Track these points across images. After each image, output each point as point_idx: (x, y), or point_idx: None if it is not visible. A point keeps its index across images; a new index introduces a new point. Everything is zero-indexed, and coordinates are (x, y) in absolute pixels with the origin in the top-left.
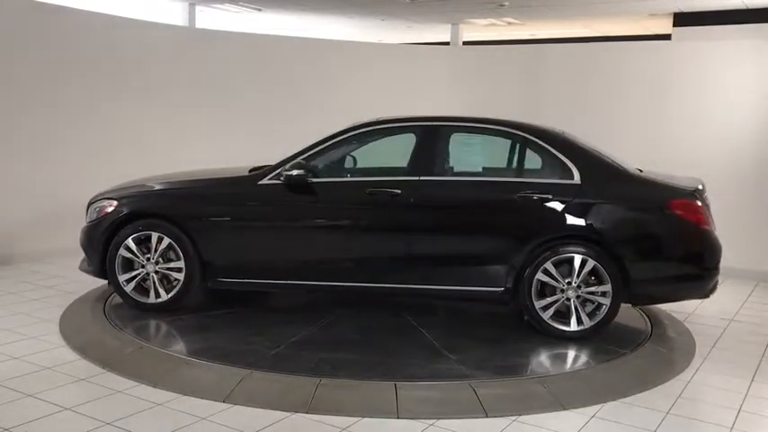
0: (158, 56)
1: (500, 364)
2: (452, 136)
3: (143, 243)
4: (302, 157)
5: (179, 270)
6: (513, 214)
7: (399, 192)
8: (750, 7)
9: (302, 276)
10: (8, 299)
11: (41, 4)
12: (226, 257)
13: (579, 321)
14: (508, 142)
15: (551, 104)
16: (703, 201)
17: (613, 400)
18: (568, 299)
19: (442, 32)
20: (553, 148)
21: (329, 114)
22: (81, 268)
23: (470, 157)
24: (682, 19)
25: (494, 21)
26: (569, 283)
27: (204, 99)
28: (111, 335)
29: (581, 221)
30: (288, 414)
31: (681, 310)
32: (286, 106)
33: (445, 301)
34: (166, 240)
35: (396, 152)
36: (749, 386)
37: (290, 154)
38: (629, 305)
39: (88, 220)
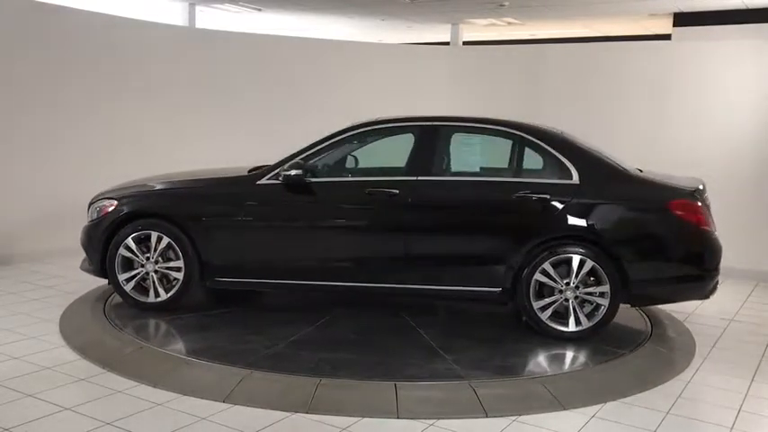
0: (158, 56)
1: (497, 364)
2: (450, 136)
3: (143, 242)
4: (300, 157)
5: (178, 269)
6: (511, 214)
7: (397, 192)
8: (750, 7)
9: (300, 276)
10: (8, 299)
11: (41, 4)
12: (224, 257)
13: (577, 322)
14: (507, 142)
15: (551, 104)
16: (703, 201)
17: (613, 400)
18: (567, 299)
19: (442, 32)
20: (552, 148)
21: (329, 114)
22: (82, 267)
23: (469, 157)
24: (682, 19)
25: (494, 21)
26: (567, 284)
27: (204, 99)
28: (111, 335)
29: (579, 222)
30: (288, 414)
31: (681, 310)
32: (286, 106)
33: (443, 301)
34: (166, 240)
35: (394, 152)
36: (749, 386)
37: (289, 154)
38: (629, 306)
39: (89, 220)
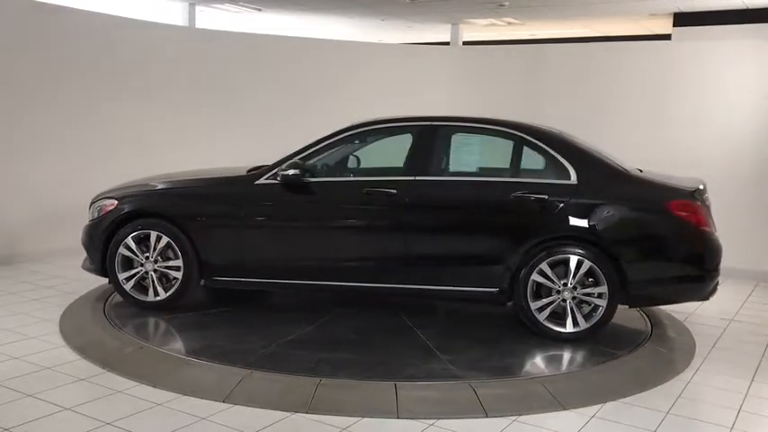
0: (158, 56)
1: (493, 365)
2: (448, 136)
3: (142, 242)
4: (299, 156)
5: (177, 269)
6: (509, 214)
7: (395, 192)
8: (750, 7)
9: (298, 276)
10: (8, 299)
11: (41, 4)
12: (222, 256)
13: (575, 323)
14: (505, 142)
15: (551, 104)
16: (703, 201)
17: (613, 400)
18: (564, 300)
19: (442, 32)
20: (550, 148)
21: (329, 114)
22: (83, 267)
23: (466, 156)
24: (682, 19)
25: (494, 21)
26: (565, 285)
27: (204, 99)
28: (111, 335)
29: (577, 222)
30: (288, 414)
31: (681, 310)
32: (286, 106)
33: (441, 301)
34: (165, 239)
35: (393, 152)
36: (749, 386)
37: (287, 154)
38: (627, 307)
39: (90, 219)
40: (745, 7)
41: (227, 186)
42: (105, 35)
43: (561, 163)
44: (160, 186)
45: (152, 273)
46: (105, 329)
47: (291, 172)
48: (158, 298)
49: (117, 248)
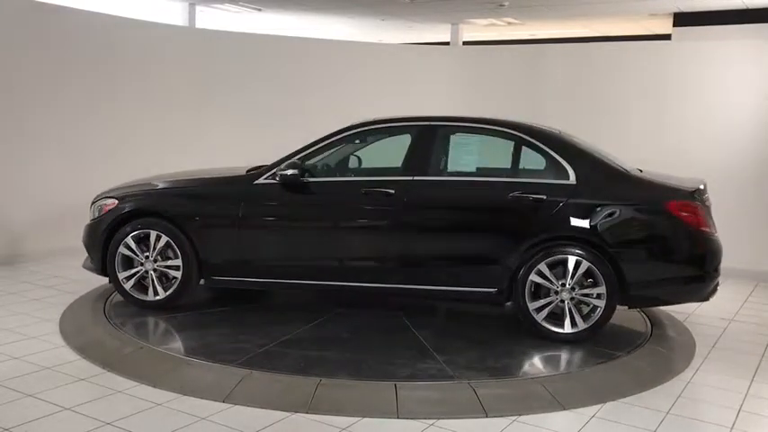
0: (158, 56)
1: (489, 365)
2: (447, 136)
3: (142, 241)
4: (297, 156)
5: (177, 268)
6: (507, 214)
7: (393, 191)
8: (750, 7)
9: (297, 275)
10: (8, 299)
11: (41, 4)
12: (221, 256)
13: (573, 323)
14: (503, 142)
15: (551, 104)
16: (703, 202)
17: (613, 400)
18: (562, 301)
19: (442, 32)
20: (548, 148)
21: (329, 114)
22: (84, 266)
23: (465, 156)
24: (682, 19)
25: (494, 21)
26: (563, 285)
27: (204, 99)
28: (111, 335)
29: (576, 222)
30: (288, 414)
31: (681, 310)
32: (286, 106)
33: (439, 301)
34: (164, 239)
35: (391, 152)
36: (749, 386)
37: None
38: (626, 308)
39: (90, 219)
40: (745, 7)
41: (226, 186)
42: (105, 35)
43: (560, 163)
44: (160, 186)
45: (152, 272)
46: (105, 329)
47: (290, 172)
48: (158, 297)
49: (117, 248)
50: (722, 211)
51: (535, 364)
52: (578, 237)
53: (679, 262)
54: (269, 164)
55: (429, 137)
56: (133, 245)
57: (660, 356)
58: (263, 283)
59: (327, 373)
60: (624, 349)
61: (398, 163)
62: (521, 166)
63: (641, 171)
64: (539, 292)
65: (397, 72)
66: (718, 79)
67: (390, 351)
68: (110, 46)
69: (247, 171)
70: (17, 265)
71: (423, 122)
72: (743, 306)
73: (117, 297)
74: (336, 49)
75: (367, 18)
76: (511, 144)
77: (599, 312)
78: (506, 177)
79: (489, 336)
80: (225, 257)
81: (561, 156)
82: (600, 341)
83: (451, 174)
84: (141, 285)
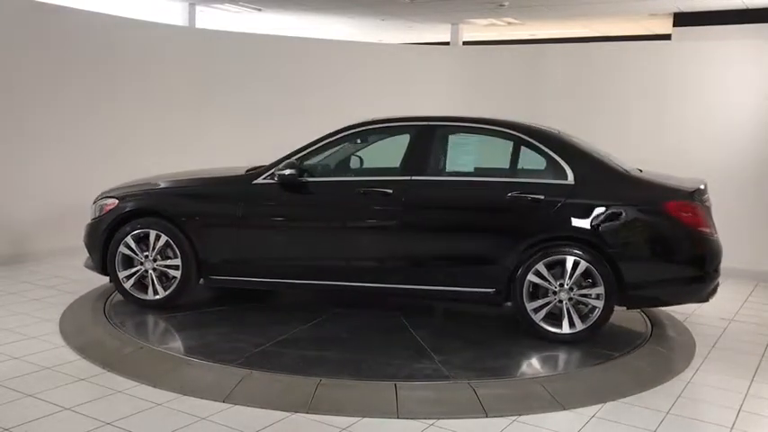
0: (158, 56)
1: (485, 366)
2: (445, 136)
3: (142, 241)
4: (296, 156)
5: (176, 267)
6: (505, 214)
7: (391, 191)
8: (750, 7)
9: (295, 275)
10: (8, 299)
11: (41, 4)
12: (220, 255)
13: (571, 324)
14: (501, 142)
15: (551, 104)
16: (702, 202)
17: (613, 400)
18: (560, 301)
19: (442, 32)
20: (547, 147)
21: (329, 114)
22: (86, 265)
23: (463, 156)
24: (682, 19)
25: (494, 21)
26: (561, 285)
27: (204, 99)
28: (111, 335)
29: (574, 222)
30: (288, 414)
31: (681, 310)
32: (286, 106)
33: (438, 301)
34: (164, 238)
35: (390, 152)
36: (749, 386)
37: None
38: (625, 308)
39: (91, 218)
40: (745, 7)
41: (225, 186)
42: (105, 35)
43: (558, 163)
44: (159, 186)
45: (151, 272)
46: (105, 329)
47: (288, 172)
48: (157, 297)
49: (117, 247)
50: (722, 211)
51: (533, 364)
52: (576, 237)
53: (678, 262)
54: (268, 164)
55: (427, 137)
56: (133, 244)
57: (660, 356)
58: (262, 282)
59: (325, 373)
60: (624, 349)
61: (397, 163)
62: (519, 166)
63: (641, 171)
64: (537, 292)
65: (397, 72)
66: (718, 79)
67: (388, 351)
68: (110, 46)
69: (247, 171)
70: (17, 265)
71: (421, 122)
72: (743, 306)
73: (117, 297)
74: (336, 49)
75: (367, 18)
76: (509, 144)
77: (597, 313)
78: (504, 177)
79: (487, 336)
80: (224, 257)
81: (560, 156)
82: (599, 341)
83: (450, 174)
84: (141, 285)
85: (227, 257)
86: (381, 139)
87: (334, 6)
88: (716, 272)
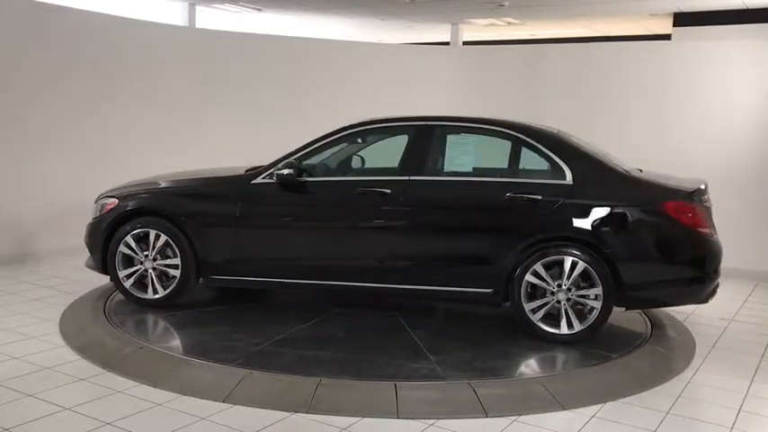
0: (158, 56)
1: (481, 366)
2: (444, 136)
3: (142, 240)
4: (294, 156)
5: (176, 267)
6: (503, 214)
7: (389, 191)
8: (750, 7)
9: (293, 275)
10: (8, 299)
11: (41, 4)
12: (219, 255)
13: (569, 324)
14: (500, 142)
15: (551, 104)
16: (702, 203)
17: (613, 400)
18: (558, 301)
19: (442, 32)
20: (545, 147)
21: (329, 114)
22: (87, 264)
23: (462, 156)
24: (682, 19)
25: (494, 21)
26: (559, 286)
27: (204, 99)
28: (111, 335)
29: (572, 222)
30: (288, 414)
31: (681, 310)
32: (286, 106)
33: (436, 301)
34: (163, 237)
35: (388, 152)
36: (749, 386)
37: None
38: (623, 309)
39: (92, 218)
40: (745, 7)
41: (224, 186)
42: (105, 35)
43: (557, 163)
44: (160, 185)
45: (151, 271)
46: (105, 329)
47: (286, 171)
48: (156, 296)
49: (117, 246)
50: (722, 211)
51: (530, 365)
52: (575, 237)
53: (677, 263)
54: (266, 164)
55: (425, 137)
56: (133, 243)
57: (660, 356)
58: (261, 282)
59: (325, 373)
60: (624, 349)
61: (395, 163)
62: (518, 166)
63: (641, 171)
64: (535, 292)
65: (397, 72)
66: (718, 79)
67: (385, 351)
68: (110, 46)
69: (246, 171)
70: (17, 265)
71: (419, 122)
72: (743, 306)
73: (117, 297)
74: (336, 49)
75: (367, 18)
76: (508, 144)
77: (595, 314)
78: (502, 177)
79: (485, 336)
80: (223, 256)
81: (558, 156)
82: (599, 341)
83: (448, 174)
84: (141, 284)
85: (226, 257)
86: (380, 139)
87: (334, 6)
88: (716, 273)
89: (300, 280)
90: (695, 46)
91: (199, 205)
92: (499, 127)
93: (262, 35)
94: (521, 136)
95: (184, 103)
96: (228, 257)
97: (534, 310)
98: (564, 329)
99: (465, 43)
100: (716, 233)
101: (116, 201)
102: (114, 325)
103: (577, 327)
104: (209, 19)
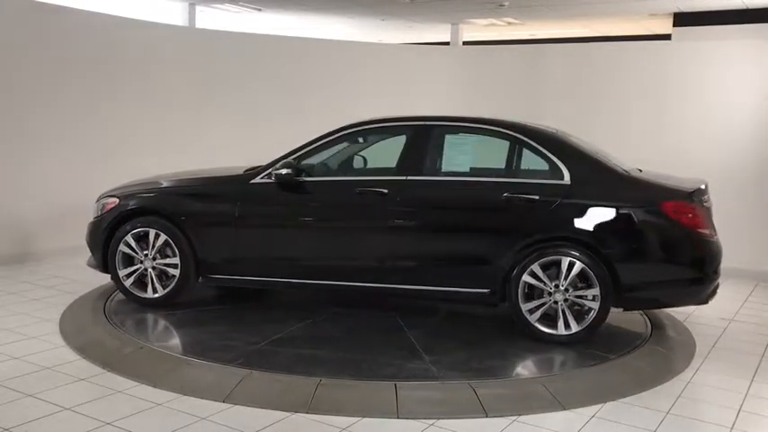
0: (158, 56)
1: (475, 366)
2: (441, 136)
3: (142, 239)
4: (293, 156)
5: (175, 266)
6: (500, 215)
7: (387, 191)
8: (750, 7)
9: (292, 274)
10: (8, 299)
11: (41, 4)
12: (218, 254)
13: (567, 325)
14: (498, 142)
15: (551, 104)
16: (702, 203)
17: (613, 400)
18: (556, 302)
19: (442, 32)
20: (543, 147)
21: (329, 114)
22: (88, 263)
23: (459, 156)
24: (682, 19)
25: (494, 21)
26: (557, 286)
27: (204, 99)
28: (111, 334)
29: (569, 223)
30: (288, 414)
31: (681, 310)
32: (286, 106)
33: (434, 301)
34: (163, 237)
35: (386, 152)
36: (749, 386)
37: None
38: (621, 310)
39: (93, 217)
40: (745, 7)
41: (223, 186)
42: (105, 35)
43: (555, 163)
44: (159, 185)
45: (150, 270)
46: (105, 329)
47: (285, 171)
48: (156, 295)
49: (118, 246)
50: (722, 212)
51: (528, 365)
52: (572, 237)
53: (676, 264)
54: (265, 164)
55: (424, 137)
56: (133, 243)
57: (660, 356)
58: (260, 281)
59: (325, 373)
60: (623, 349)
61: (393, 163)
62: (515, 166)
63: (641, 171)
64: (532, 293)
65: (397, 72)
66: (718, 79)
67: (382, 351)
68: (110, 46)
69: (245, 171)
70: (17, 265)
71: (417, 122)
72: (743, 306)
73: (117, 297)
74: (336, 49)
75: (367, 18)
76: (506, 144)
77: (593, 314)
78: (500, 177)
79: (482, 337)
80: (222, 256)
81: (556, 155)
82: (598, 341)
83: (445, 174)
84: (142, 283)
85: (225, 256)
86: (378, 140)
87: (334, 6)
88: (715, 273)
89: (299, 279)
90: (695, 46)
91: (198, 205)
92: (497, 127)
93: (262, 35)
94: (518, 136)
95: (184, 103)
96: (227, 257)
97: (531, 311)
98: (561, 330)
99: (465, 43)
100: (716, 234)
101: (117, 200)
102: (114, 325)
103: (575, 327)
104: (209, 19)
